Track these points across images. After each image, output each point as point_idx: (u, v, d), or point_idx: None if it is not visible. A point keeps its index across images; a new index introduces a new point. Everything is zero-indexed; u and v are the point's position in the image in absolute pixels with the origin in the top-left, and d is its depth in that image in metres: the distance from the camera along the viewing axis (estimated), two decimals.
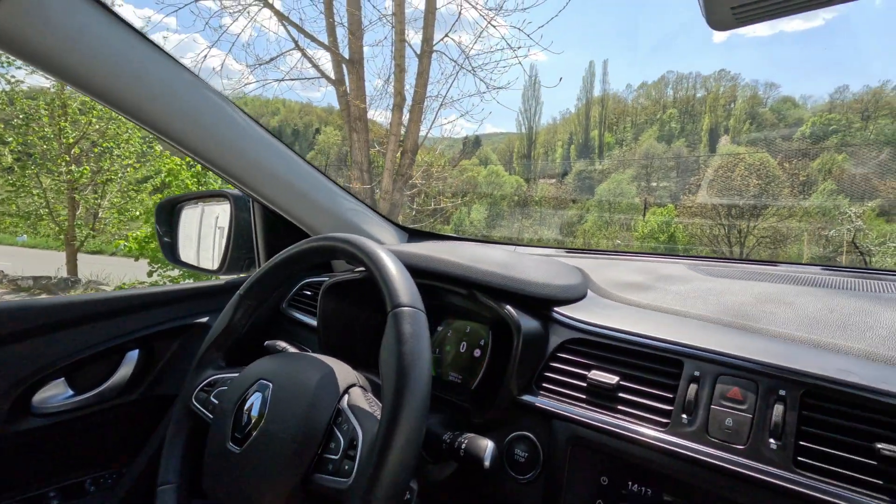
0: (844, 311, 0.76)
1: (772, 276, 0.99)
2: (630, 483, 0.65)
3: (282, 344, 0.98)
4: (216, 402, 0.79)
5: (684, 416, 0.64)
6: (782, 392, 0.60)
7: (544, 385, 0.77)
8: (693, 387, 0.65)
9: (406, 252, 0.92)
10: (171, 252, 1.50)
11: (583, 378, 0.74)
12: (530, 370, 0.79)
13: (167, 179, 7.67)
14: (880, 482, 0.51)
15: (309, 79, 7.21)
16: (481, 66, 6.91)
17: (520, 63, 6.66)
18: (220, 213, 1.50)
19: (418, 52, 6.69)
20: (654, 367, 0.70)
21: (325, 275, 1.34)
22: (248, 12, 6.43)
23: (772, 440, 0.58)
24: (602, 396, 0.71)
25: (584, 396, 0.72)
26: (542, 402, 0.75)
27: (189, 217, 1.59)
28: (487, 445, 0.68)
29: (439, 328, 1.01)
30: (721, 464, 0.58)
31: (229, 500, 0.66)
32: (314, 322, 1.18)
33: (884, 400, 0.54)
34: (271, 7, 6.28)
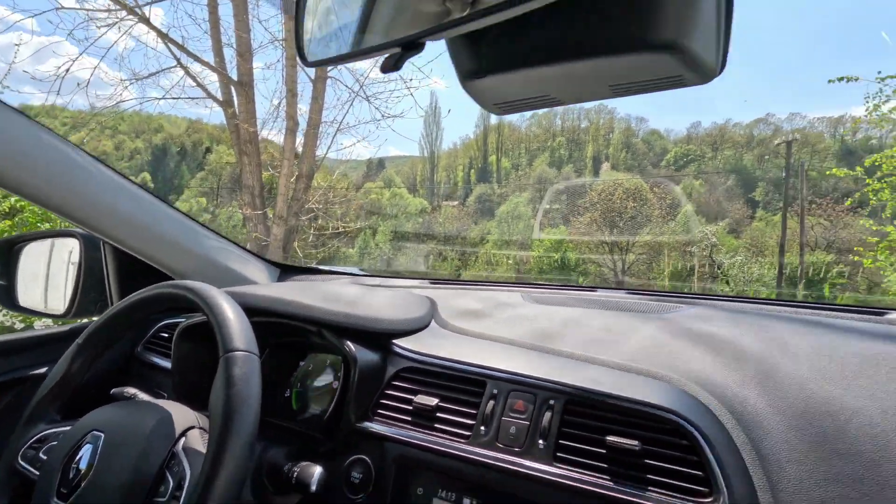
0: (618, 330, 0.95)
1: (586, 301, 1.19)
2: (440, 490, 0.76)
3: (130, 391, 0.97)
4: (44, 458, 0.77)
5: (482, 428, 0.77)
6: (552, 402, 0.75)
7: (380, 411, 0.87)
8: (491, 403, 0.79)
9: (255, 294, 0.97)
10: (6, 296, 1.37)
11: (410, 402, 0.84)
12: (368, 398, 0.88)
13: (20, 203, 6.73)
14: (605, 465, 0.67)
15: (193, 98, 6.86)
16: (376, 95, 7.09)
17: (412, 94, 6.95)
18: (74, 248, 1.41)
19: (312, 76, 6.70)
20: (465, 388, 0.83)
21: (182, 316, 1.33)
22: (121, 26, 6.00)
23: (541, 441, 0.72)
24: (424, 417, 0.82)
25: (410, 419, 0.83)
26: (375, 427, 0.84)
27: (35, 255, 1.47)
28: (315, 472, 0.75)
29: (302, 363, 1.06)
30: (504, 465, 0.71)
31: None
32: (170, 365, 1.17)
33: (618, 403, 0.72)
34: (148, 23, 5.91)
